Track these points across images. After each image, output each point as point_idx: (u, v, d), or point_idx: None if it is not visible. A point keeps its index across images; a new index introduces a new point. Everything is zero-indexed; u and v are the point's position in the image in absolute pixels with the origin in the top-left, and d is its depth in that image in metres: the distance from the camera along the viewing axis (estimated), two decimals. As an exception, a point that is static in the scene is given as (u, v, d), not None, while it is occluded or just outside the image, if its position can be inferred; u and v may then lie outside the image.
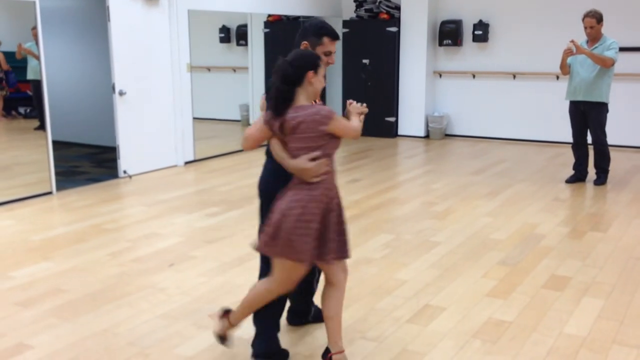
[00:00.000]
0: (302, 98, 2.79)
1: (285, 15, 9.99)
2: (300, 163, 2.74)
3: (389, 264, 4.46)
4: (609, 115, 6.62)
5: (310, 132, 2.73)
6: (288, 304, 3.45)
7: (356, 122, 2.90)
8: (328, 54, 3.05)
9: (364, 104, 2.99)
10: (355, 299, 3.85)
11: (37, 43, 6.34)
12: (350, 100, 3.04)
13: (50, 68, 6.51)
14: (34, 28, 6.31)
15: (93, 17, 8.13)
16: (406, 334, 3.41)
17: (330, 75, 10.61)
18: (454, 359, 3.15)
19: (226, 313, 3.11)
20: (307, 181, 2.76)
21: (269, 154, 3.02)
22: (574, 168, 6.88)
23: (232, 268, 4.39)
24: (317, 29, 3.07)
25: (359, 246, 4.81)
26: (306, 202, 2.75)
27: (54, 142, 6.51)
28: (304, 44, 3.06)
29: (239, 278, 4.20)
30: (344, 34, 10.04)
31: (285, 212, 2.76)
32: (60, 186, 6.61)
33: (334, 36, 3.08)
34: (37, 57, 6.37)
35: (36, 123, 6.98)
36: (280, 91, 2.77)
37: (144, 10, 7.28)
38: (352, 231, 5.16)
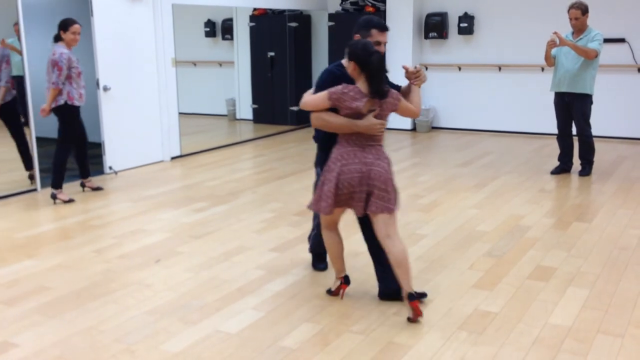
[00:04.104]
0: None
1: (271, 9, 9.96)
2: (372, 120, 3.41)
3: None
4: (593, 107, 6.66)
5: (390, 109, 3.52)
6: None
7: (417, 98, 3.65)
8: (377, 44, 3.50)
9: (417, 66, 3.66)
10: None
11: (19, 39, 6.27)
12: (406, 66, 3.64)
13: (33, 64, 6.44)
14: (16, 24, 6.24)
15: (76, 12, 8.02)
16: (393, 326, 3.42)
17: (317, 67, 10.59)
18: (441, 350, 3.16)
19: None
20: (374, 134, 3.46)
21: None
22: (559, 159, 6.92)
23: (219, 263, 4.38)
24: (371, 22, 3.59)
25: (345, 240, 4.79)
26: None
27: (38, 139, 6.46)
28: (356, 37, 3.58)
29: (226, 273, 4.19)
30: (329, 27, 10.03)
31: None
32: (45, 183, 6.55)
33: (382, 28, 3.59)
34: (20, 53, 6.30)
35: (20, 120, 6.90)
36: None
37: (128, 4, 7.22)
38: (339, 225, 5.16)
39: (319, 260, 4.27)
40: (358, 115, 3.41)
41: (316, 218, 4.03)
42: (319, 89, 3.53)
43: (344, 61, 3.52)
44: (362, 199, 3.47)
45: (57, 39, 5.91)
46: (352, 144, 3.47)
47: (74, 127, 6.04)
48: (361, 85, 3.42)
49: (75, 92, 5.90)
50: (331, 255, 3.78)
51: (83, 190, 6.33)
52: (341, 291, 3.80)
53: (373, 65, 3.35)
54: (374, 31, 3.55)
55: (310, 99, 3.50)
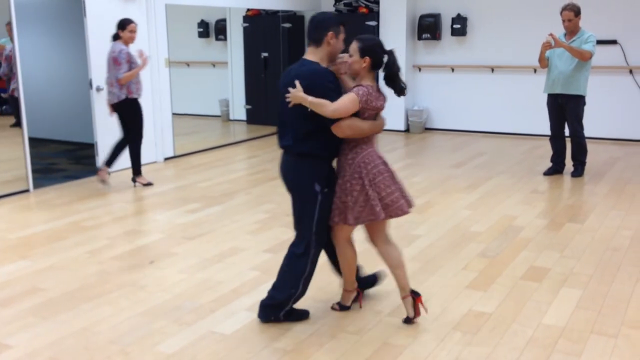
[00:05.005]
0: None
1: (264, 10, 9.95)
2: (383, 117, 3.42)
3: (370, 258, 4.46)
4: (586, 108, 6.69)
5: None
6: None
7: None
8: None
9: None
10: (336, 293, 3.86)
11: (11, 39, 6.24)
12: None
13: (26, 64, 6.41)
14: (9, 24, 6.22)
15: (69, 12, 8.01)
16: (387, 327, 3.43)
17: (310, 69, 10.58)
18: (435, 351, 3.17)
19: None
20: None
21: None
22: (552, 160, 6.95)
23: (213, 264, 4.37)
24: (338, 18, 3.41)
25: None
26: None
27: (31, 139, 6.43)
28: (331, 34, 3.33)
29: (220, 274, 4.19)
30: (323, 28, 10.01)
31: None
32: (38, 184, 6.53)
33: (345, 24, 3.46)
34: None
35: (12, 120, 6.88)
36: None
37: (121, 4, 7.20)
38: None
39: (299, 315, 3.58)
40: (375, 115, 3.33)
41: (302, 277, 3.43)
42: (334, 92, 3.25)
43: (318, 57, 3.32)
44: (401, 198, 3.36)
45: (116, 37, 6.28)
46: (369, 145, 3.34)
47: (140, 118, 6.43)
48: (371, 82, 3.32)
49: (134, 86, 6.28)
50: (350, 269, 3.55)
51: (135, 186, 6.57)
52: (360, 299, 3.68)
53: (393, 63, 3.32)
54: (342, 28, 3.37)
55: (342, 105, 3.20)
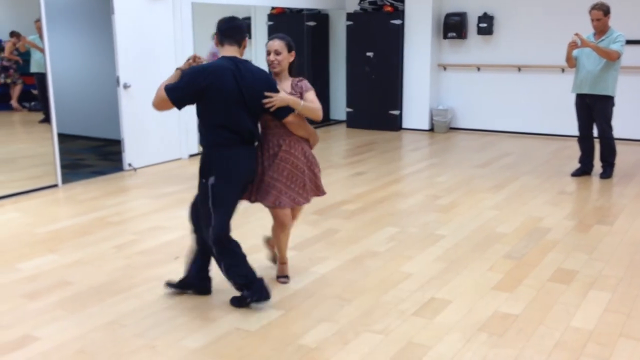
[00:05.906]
0: None
1: (289, 8, 9.96)
2: None
3: (394, 257, 4.45)
4: (615, 109, 6.59)
5: None
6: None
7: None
8: None
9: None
10: (360, 292, 3.85)
11: (40, 36, 6.33)
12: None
13: (55, 61, 6.50)
14: (38, 21, 6.30)
15: (97, 10, 8.11)
16: (412, 326, 3.41)
17: (335, 68, 10.59)
18: (460, 352, 3.15)
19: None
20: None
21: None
22: (580, 161, 6.86)
23: (238, 261, 4.38)
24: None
25: (363, 239, 4.81)
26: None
27: (59, 135, 6.51)
28: (247, 39, 3.59)
29: (245, 271, 4.20)
30: (347, 26, 10.01)
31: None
32: (66, 179, 6.62)
33: None
34: (41, 50, 6.35)
35: (41, 116, 6.98)
36: None
37: (148, 2, 7.26)
38: (357, 224, 5.16)
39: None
40: None
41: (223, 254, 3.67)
42: None
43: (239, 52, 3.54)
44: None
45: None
46: None
47: None
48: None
49: None
50: (286, 247, 4.03)
51: None
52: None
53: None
54: None
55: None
